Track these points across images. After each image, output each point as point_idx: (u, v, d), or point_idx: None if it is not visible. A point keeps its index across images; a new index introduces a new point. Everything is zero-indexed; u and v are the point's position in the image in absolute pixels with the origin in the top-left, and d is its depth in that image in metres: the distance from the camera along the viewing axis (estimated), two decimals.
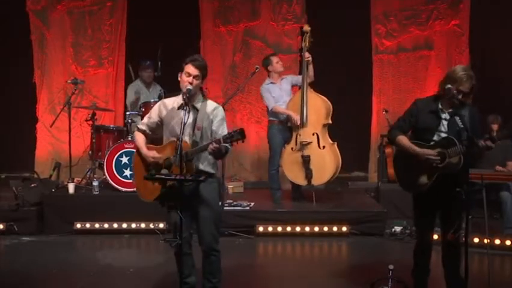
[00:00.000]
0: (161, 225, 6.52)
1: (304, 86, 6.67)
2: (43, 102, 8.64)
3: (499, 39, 8.00)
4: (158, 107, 4.21)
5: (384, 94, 8.62)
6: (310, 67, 6.72)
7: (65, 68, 8.63)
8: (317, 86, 6.80)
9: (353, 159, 8.17)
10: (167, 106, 4.15)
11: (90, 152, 7.36)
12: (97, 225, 6.59)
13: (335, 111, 6.72)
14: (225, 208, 6.51)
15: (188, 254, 4.11)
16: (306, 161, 6.61)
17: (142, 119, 6.66)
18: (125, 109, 8.13)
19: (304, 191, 7.07)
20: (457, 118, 3.85)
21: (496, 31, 8.01)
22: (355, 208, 6.91)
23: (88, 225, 6.59)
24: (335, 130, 6.86)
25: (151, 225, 6.56)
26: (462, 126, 3.81)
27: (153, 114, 4.21)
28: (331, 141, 6.71)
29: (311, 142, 6.63)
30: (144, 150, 4.12)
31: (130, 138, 6.87)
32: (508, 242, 5.85)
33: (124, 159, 6.84)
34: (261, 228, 6.46)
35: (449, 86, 3.86)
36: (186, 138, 3.94)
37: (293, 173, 6.78)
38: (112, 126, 7.80)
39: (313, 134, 6.65)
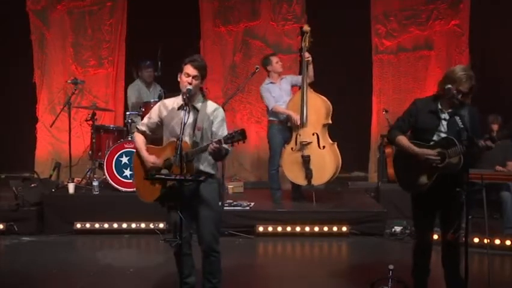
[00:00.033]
0: (161, 225, 6.52)
1: (304, 86, 6.67)
2: (43, 102, 8.64)
3: (499, 39, 8.00)
4: (158, 107, 4.20)
5: (384, 94, 8.62)
6: (310, 67, 6.72)
7: (65, 68, 8.63)
8: (317, 86, 6.80)
9: (353, 159, 8.17)
10: (167, 106, 4.15)
11: (90, 152, 7.36)
12: (97, 225, 6.59)
13: (335, 111, 6.72)
14: (225, 208, 6.51)
15: (188, 255, 4.11)
16: (306, 161, 6.61)
17: (142, 119, 6.70)
18: (125, 109, 8.13)
19: (304, 191, 7.07)
20: (457, 118, 3.85)
21: (496, 31, 8.01)
22: (355, 208, 6.91)
23: (88, 225, 6.59)
24: (335, 130, 6.86)
25: (151, 225, 6.56)
26: (462, 126, 3.81)
27: (153, 115, 4.21)
28: (331, 141, 6.71)
29: (311, 142, 6.63)
30: (144, 154, 4.10)
31: (130, 138, 6.87)
32: (508, 242, 5.86)
33: (124, 159, 6.84)
34: (261, 228, 6.46)
35: (449, 86, 3.86)
36: (186, 139, 3.94)
37: (293, 173, 6.78)
38: (112, 126, 7.80)
39: (313, 134, 6.65)
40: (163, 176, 3.89)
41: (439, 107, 4.02)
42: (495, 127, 6.48)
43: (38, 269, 5.43)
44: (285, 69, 7.29)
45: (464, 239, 3.90)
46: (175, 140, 3.86)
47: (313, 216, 6.62)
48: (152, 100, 7.27)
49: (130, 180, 6.69)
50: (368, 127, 8.63)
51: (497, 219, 6.44)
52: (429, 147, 3.98)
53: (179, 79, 4.03)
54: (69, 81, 7.70)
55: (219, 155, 3.89)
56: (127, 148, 6.82)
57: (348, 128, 8.01)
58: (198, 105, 4.05)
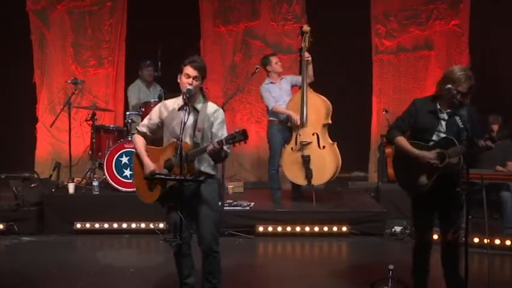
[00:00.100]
0: (161, 225, 6.52)
1: (304, 86, 6.67)
2: (43, 102, 8.64)
3: (499, 39, 8.00)
4: (159, 108, 4.20)
5: (384, 94, 8.62)
6: (310, 67, 6.72)
7: (65, 68, 8.63)
8: (317, 86, 6.80)
9: (353, 159, 8.17)
10: (167, 107, 4.15)
11: (90, 152, 7.36)
12: (97, 225, 6.59)
13: (335, 111, 6.72)
14: (225, 208, 6.51)
15: (187, 255, 4.11)
16: (306, 161, 6.61)
17: (142, 119, 6.71)
18: (126, 109, 8.13)
19: (304, 191, 7.07)
20: (457, 118, 3.85)
21: (496, 31, 8.01)
22: (355, 208, 6.91)
23: (88, 225, 6.59)
24: (335, 130, 6.86)
25: (151, 225, 6.56)
26: (462, 126, 3.81)
27: (153, 116, 4.21)
28: (331, 141, 6.71)
29: (311, 142, 6.63)
30: (145, 159, 4.08)
31: (130, 138, 6.86)
32: (508, 242, 5.86)
33: (124, 159, 6.84)
34: (261, 228, 6.46)
35: (449, 86, 3.86)
36: (187, 140, 3.95)
37: (293, 173, 6.78)
38: (112, 126, 7.80)
39: (313, 134, 6.65)
40: (163, 176, 3.90)
41: (438, 107, 4.02)
42: (495, 127, 6.49)
43: (38, 269, 5.43)
44: (285, 69, 7.30)
45: (464, 239, 3.90)
46: (176, 140, 3.86)
47: (313, 216, 6.62)
48: (152, 100, 7.28)
49: (130, 180, 6.69)
50: (368, 127, 8.63)
51: (497, 219, 6.44)
52: (428, 148, 3.99)
53: (179, 80, 4.03)
54: (69, 81, 7.70)
55: (218, 157, 3.89)
56: (127, 148, 6.82)
57: (348, 128, 8.01)
58: (198, 106, 4.06)
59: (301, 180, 6.78)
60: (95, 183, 6.85)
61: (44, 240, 6.40)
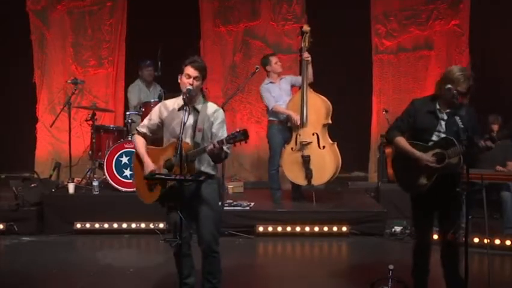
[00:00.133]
0: (161, 225, 6.52)
1: (304, 86, 6.67)
2: (43, 102, 8.64)
3: (499, 39, 8.00)
4: (159, 108, 4.20)
5: (384, 94, 8.62)
6: (310, 67, 6.72)
7: (65, 68, 8.63)
8: (317, 86, 6.80)
9: (353, 159, 8.17)
10: (168, 107, 4.15)
11: (90, 152, 7.36)
12: (97, 225, 6.59)
13: (335, 111, 6.72)
14: (225, 208, 6.51)
15: (187, 255, 4.11)
16: (306, 161, 6.62)
17: (142, 119, 6.71)
18: (126, 109, 8.13)
19: (304, 191, 7.07)
20: (457, 118, 3.85)
21: (496, 31, 8.01)
22: (355, 208, 6.91)
23: (88, 225, 6.59)
24: (335, 130, 6.86)
25: (151, 225, 6.56)
26: (462, 126, 3.81)
27: (154, 116, 4.20)
28: (331, 141, 6.72)
29: (311, 142, 6.63)
30: (145, 159, 4.08)
31: (130, 138, 6.86)
32: (508, 242, 5.86)
33: (124, 159, 6.84)
34: (261, 228, 6.46)
35: (449, 86, 3.86)
36: (188, 140, 3.95)
37: (293, 173, 6.78)
38: (112, 126, 7.80)
39: (313, 134, 6.65)
40: (163, 176, 3.90)
41: (437, 107, 4.02)
42: (495, 127, 6.49)
43: (38, 269, 5.43)
44: (285, 69, 7.29)
45: (464, 239, 3.90)
46: (176, 140, 3.86)
47: (313, 216, 6.62)
48: (152, 100, 7.28)
49: (130, 180, 6.69)
50: (368, 127, 8.63)
51: (497, 219, 6.45)
52: (428, 148, 3.98)
53: (179, 80, 4.03)
54: (69, 81, 7.70)
55: (218, 157, 3.90)
56: (127, 148, 6.82)
57: (348, 128, 8.01)
58: (199, 106, 4.06)
59: (301, 180, 6.78)
60: (95, 183, 6.85)
61: (44, 240, 6.40)
